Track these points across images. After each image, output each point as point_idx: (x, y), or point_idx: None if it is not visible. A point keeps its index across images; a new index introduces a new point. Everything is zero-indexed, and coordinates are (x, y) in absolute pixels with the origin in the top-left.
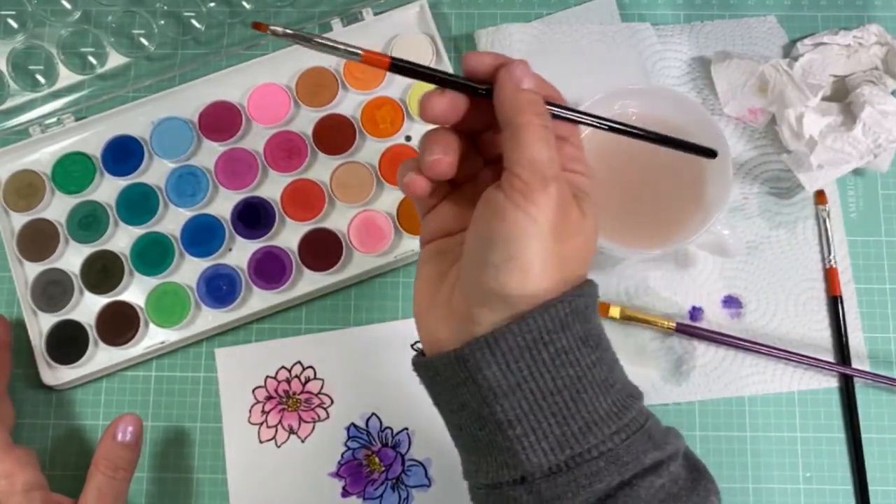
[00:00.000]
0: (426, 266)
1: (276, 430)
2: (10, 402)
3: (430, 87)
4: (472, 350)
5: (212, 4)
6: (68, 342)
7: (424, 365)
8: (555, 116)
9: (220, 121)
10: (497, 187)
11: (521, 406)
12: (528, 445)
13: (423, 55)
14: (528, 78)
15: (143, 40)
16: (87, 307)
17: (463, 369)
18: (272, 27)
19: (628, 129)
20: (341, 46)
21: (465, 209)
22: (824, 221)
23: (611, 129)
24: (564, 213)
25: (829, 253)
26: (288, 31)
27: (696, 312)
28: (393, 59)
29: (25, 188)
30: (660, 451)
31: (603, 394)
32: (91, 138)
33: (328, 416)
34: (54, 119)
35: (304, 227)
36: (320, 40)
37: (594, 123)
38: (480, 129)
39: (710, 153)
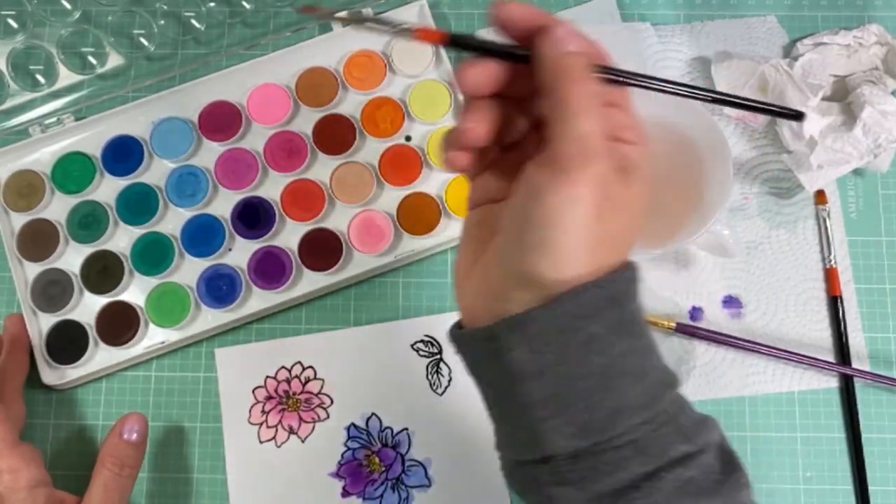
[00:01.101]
0: (469, 231)
1: (276, 430)
2: (22, 401)
3: (430, 88)
4: (501, 329)
5: (212, 4)
6: (68, 342)
7: (457, 337)
8: (605, 81)
9: (220, 121)
10: (537, 163)
11: (548, 389)
12: (552, 428)
13: (422, 55)
14: (573, 40)
15: (143, 40)
16: (87, 307)
17: (491, 347)
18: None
19: (697, 94)
20: (390, 27)
21: (510, 177)
22: (824, 221)
23: (675, 93)
24: (607, 191)
25: (829, 253)
26: (339, 14)
27: (696, 312)
28: (452, 35)
29: (25, 188)
30: (689, 443)
31: (633, 383)
32: (91, 138)
33: (328, 416)
34: (54, 119)
35: (304, 227)
36: (370, 23)
37: (655, 87)
38: (527, 94)
39: (797, 115)
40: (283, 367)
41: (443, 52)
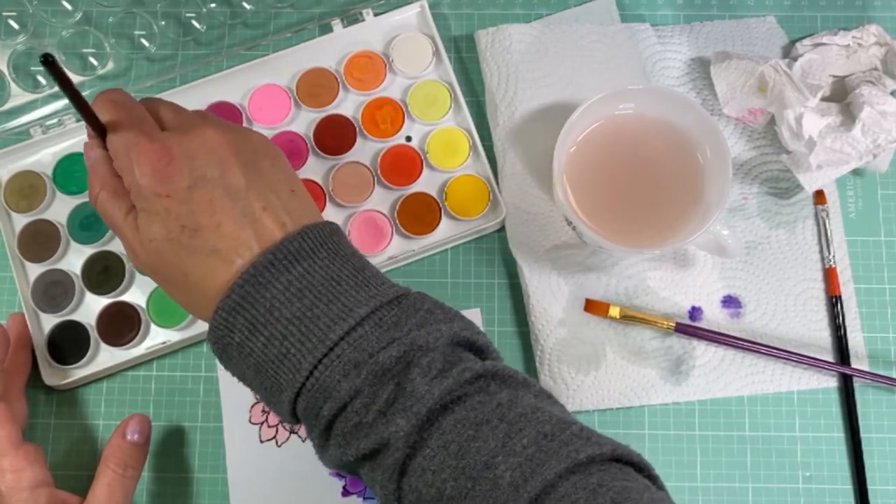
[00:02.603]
0: None
1: (277, 430)
2: (25, 400)
3: (430, 89)
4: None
5: (212, 5)
6: (70, 343)
7: None
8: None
9: None
10: None
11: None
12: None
13: (423, 55)
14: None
15: (144, 41)
16: (88, 308)
17: None
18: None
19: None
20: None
21: None
22: (823, 221)
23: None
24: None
25: (829, 253)
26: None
27: (695, 312)
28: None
29: (27, 189)
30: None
31: (270, 375)
32: None
33: None
34: (55, 120)
35: None
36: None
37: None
38: None
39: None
40: None
41: (443, 52)
